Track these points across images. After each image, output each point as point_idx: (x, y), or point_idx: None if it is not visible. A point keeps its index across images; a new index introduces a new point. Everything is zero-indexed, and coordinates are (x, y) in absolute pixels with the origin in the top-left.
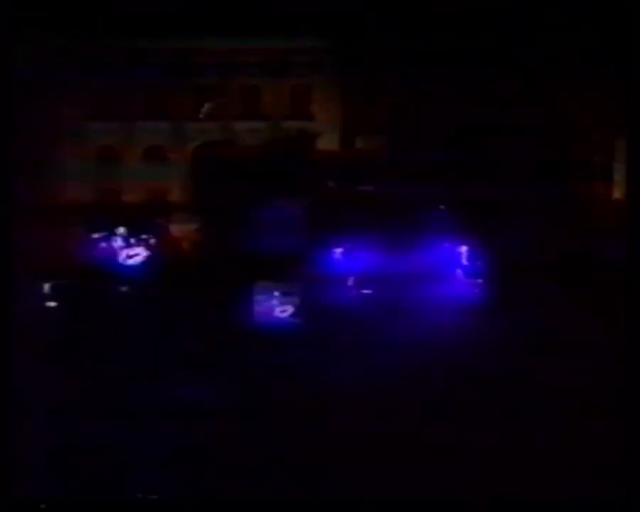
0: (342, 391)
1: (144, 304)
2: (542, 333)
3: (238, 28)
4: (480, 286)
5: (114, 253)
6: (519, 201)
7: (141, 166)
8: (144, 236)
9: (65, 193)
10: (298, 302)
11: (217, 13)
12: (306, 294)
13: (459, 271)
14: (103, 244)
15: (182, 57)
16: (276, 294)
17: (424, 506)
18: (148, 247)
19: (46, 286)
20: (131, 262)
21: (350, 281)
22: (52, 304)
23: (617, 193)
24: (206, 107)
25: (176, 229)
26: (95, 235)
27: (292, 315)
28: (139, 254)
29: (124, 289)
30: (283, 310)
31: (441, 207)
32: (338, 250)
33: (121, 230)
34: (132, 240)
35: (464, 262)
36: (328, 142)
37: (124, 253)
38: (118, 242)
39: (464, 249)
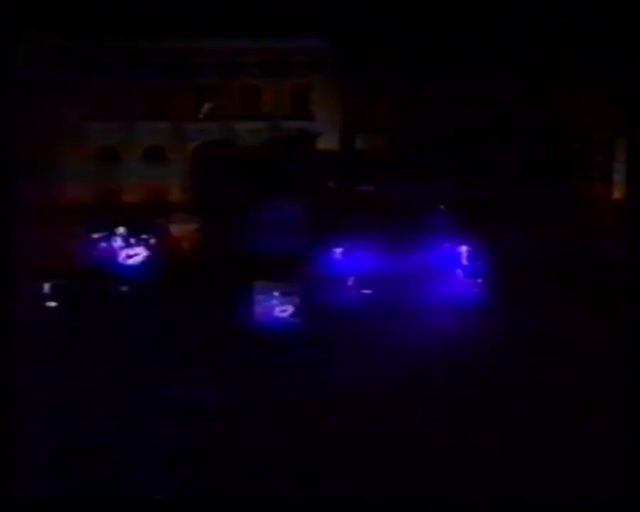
0: (342, 391)
1: (143, 304)
2: (542, 333)
3: (238, 28)
4: (480, 286)
5: (114, 253)
6: (519, 201)
7: (141, 166)
8: (143, 236)
9: (65, 193)
10: (298, 302)
11: (217, 13)
12: (306, 294)
13: (458, 271)
14: (103, 244)
15: (182, 57)
16: (276, 294)
17: (424, 506)
18: (148, 247)
19: (46, 286)
20: (131, 261)
21: (350, 281)
22: (52, 303)
23: (617, 193)
24: (206, 107)
25: (176, 229)
26: (95, 235)
27: (292, 315)
28: (138, 254)
29: (123, 288)
30: (283, 310)
31: (441, 207)
32: (338, 250)
33: (121, 230)
34: (132, 240)
35: (464, 261)
36: (328, 142)
37: (124, 253)
38: (118, 242)
39: (464, 249)
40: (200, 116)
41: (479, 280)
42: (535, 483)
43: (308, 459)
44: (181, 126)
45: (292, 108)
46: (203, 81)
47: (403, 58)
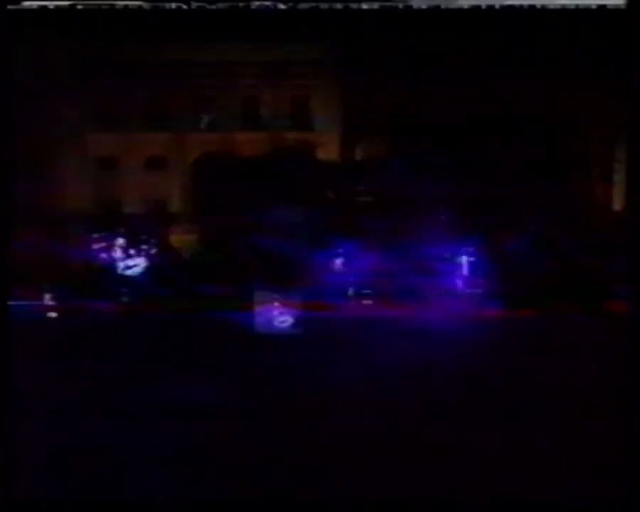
0: (342, 392)
1: (143, 305)
2: (542, 333)
3: (238, 29)
4: (480, 286)
5: (113, 261)
6: (519, 201)
7: (141, 176)
8: (143, 245)
9: (65, 200)
10: (298, 305)
11: (217, 14)
12: (306, 296)
13: (458, 270)
14: (103, 253)
15: (182, 58)
16: (276, 296)
17: (424, 506)
18: (147, 256)
19: (46, 290)
20: (130, 270)
21: (351, 282)
22: (51, 307)
23: (617, 193)
24: (206, 117)
25: (176, 238)
26: (95, 244)
27: (292, 318)
28: (138, 263)
29: (123, 290)
30: (283, 313)
31: (441, 207)
32: (339, 252)
33: (121, 239)
34: (132, 249)
35: (464, 261)
36: (328, 143)
37: (123, 262)
38: (117, 251)
39: (464, 249)
40: (201, 121)
41: (479, 280)
42: (535, 483)
43: (308, 459)
44: (182, 136)
45: (292, 109)
46: (203, 82)
47: (403, 58)
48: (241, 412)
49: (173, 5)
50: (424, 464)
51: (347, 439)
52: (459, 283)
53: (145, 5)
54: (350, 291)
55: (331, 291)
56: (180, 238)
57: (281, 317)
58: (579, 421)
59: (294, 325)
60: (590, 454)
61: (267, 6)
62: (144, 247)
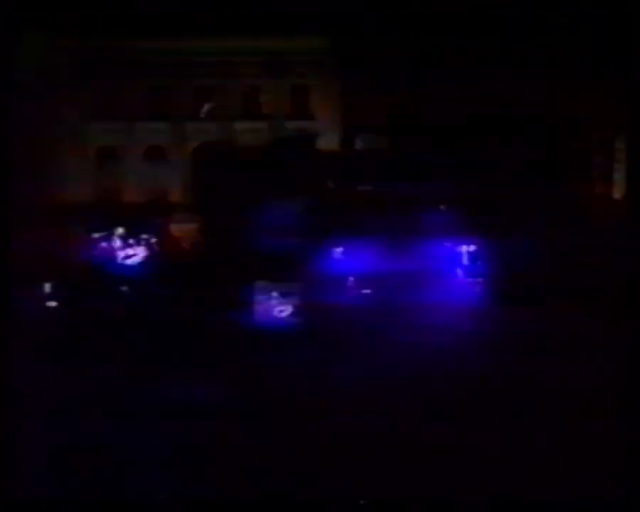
0: (342, 391)
1: (143, 304)
2: (542, 333)
3: (238, 28)
4: (480, 286)
5: (113, 253)
6: (519, 201)
7: (141, 166)
8: (143, 236)
9: (65, 193)
10: (297, 302)
11: (217, 13)
12: (305, 294)
13: (458, 270)
14: (103, 244)
15: (182, 57)
16: (275, 294)
17: (424, 506)
18: (147, 246)
19: (46, 286)
20: (130, 261)
21: (350, 281)
22: (52, 304)
23: (617, 193)
24: (206, 107)
25: (176, 229)
26: (95, 235)
27: (291, 315)
28: (138, 254)
29: (123, 288)
30: (282, 310)
31: (442, 207)
32: (338, 250)
33: (121, 229)
34: (132, 240)
35: (464, 261)
36: (328, 142)
37: (123, 253)
38: (118, 242)
39: (464, 249)
40: (201, 116)
41: (479, 280)
42: (535, 483)
43: (308, 459)
44: (181, 126)
45: (292, 108)
46: (203, 81)
47: (403, 58)
48: (240, 410)
49: None
50: (423, 464)
51: (346, 438)
52: (458, 280)
53: None
54: (349, 286)
55: (329, 286)
56: (180, 228)
57: (280, 308)
58: (578, 421)
59: (293, 315)
60: (590, 454)
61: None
62: (144, 236)
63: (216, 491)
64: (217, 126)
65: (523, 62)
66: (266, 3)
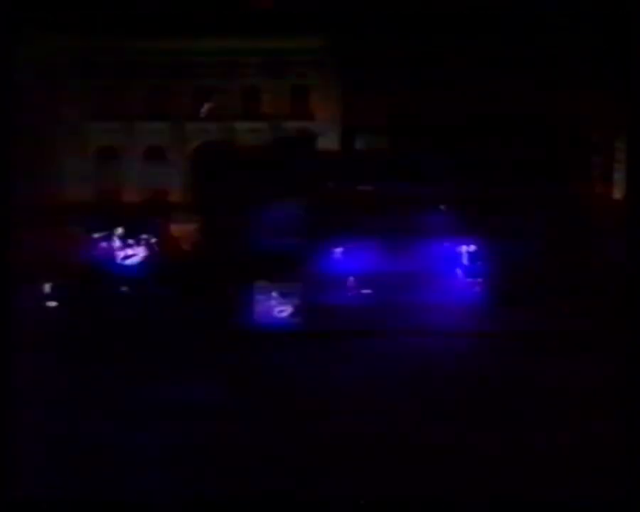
0: (342, 391)
1: (143, 304)
2: (542, 333)
3: (238, 28)
4: (480, 286)
5: (113, 253)
6: (519, 201)
7: (141, 166)
8: (143, 236)
9: (65, 193)
10: (297, 302)
11: (217, 13)
12: (305, 294)
13: (458, 270)
14: (103, 244)
15: (182, 57)
16: (275, 294)
17: (424, 506)
18: (147, 246)
19: (46, 286)
20: (130, 261)
21: (350, 281)
22: (52, 303)
23: (617, 193)
24: (206, 106)
25: (175, 229)
26: (95, 235)
27: (291, 315)
28: (138, 254)
29: (123, 288)
30: (282, 310)
31: (441, 207)
32: (338, 250)
33: (121, 230)
34: (131, 240)
35: (464, 261)
36: (328, 142)
37: (123, 253)
38: (117, 242)
39: (464, 249)
40: (201, 116)
41: (479, 279)
42: (535, 483)
43: (308, 459)
44: (181, 126)
45: (292, 108)
46: (203, 81)
47: (403, 58)
48: (240, 410)
49: None
50: (423, 464)
51: (346, 438)
52: (458, 281)
53: None
54: (349, 286)
55: (329, 286)
56: (180, 228)
57: (280, 308)
58: (578, 421)
59: (293, 315)
60: (590, 454)
61: None
62: (144, 236)
63: (216, 491)
64: (217, 126)
65: (522, 62)
66: (266, 3)
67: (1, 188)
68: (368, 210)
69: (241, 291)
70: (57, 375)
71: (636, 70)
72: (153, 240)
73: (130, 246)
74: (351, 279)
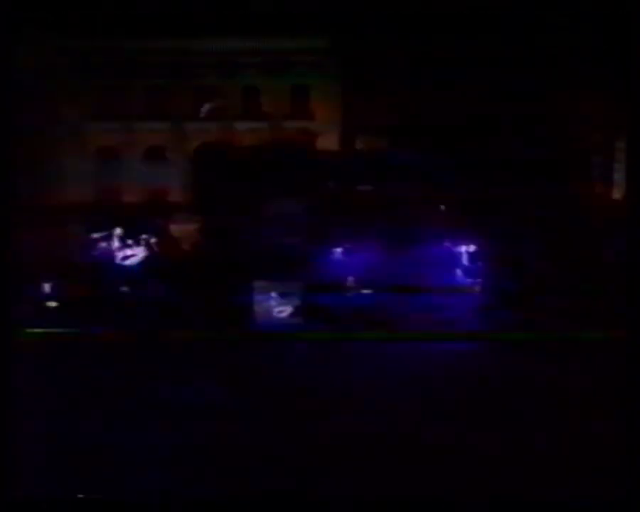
0: (342, 390)
1: (143, 303)
2: (541, 333)
3: (238, 28)
4: (479, 286)
5: (113, 253)
6: (519, 201)
7: (141, 166)
8: (143, 236)
9: (65, 193)
10: (297, 302)
11: (217, 13)
12: (305, 294)
13: (458, 270)
14: (103, 244)
15: (182, 57)
16: (275, 294)
17: (424, 506)
18: (147, 246)
19: (46, 286)
20: (130, 261)
21: (350, 281)
22: (52, 303)
23: (617, 193)
24: (206, 106)
25: (175, 229)
26: (95, 235)
27: (291, 315)
28: (138, 254)
29: (123, 288)
30: (282, 310)
31: (442, 207)
32: (338, 250)
33: (121, 229)
34: (131, 240)
35: (464, 261)
36: (328, 142)
37: (123, 253)
38: (117, 242)
39: (464, 249)
40: (200, 116)
41: (478, 279)
42: (535, 483)
43: (308, 459)
44: (181, 126)
45: (292, 108)
46: (203, 81)
47: (403, 58)
48: (239, 410)
49: None
50: (423, 464)
51: (346, 438)
52: (458, 281)
53: None
54: (349, 286)
55: (329, 285)
56: (180, 228)
57: (280, 308)
58: (578, 420)
59: (292, 315)
60: (590, 454)
61: None
62: (144, 237)
63: (216, 491)
64: (217, 126)
65: (523, 62)
66: (266, 3)
67: (1, 188)
68: (367, 210)
69: (241, 291)
70: (57, 375)
71: (636, 70)
72: (153, 240)
73: (130, 246)
74: (351, 279)
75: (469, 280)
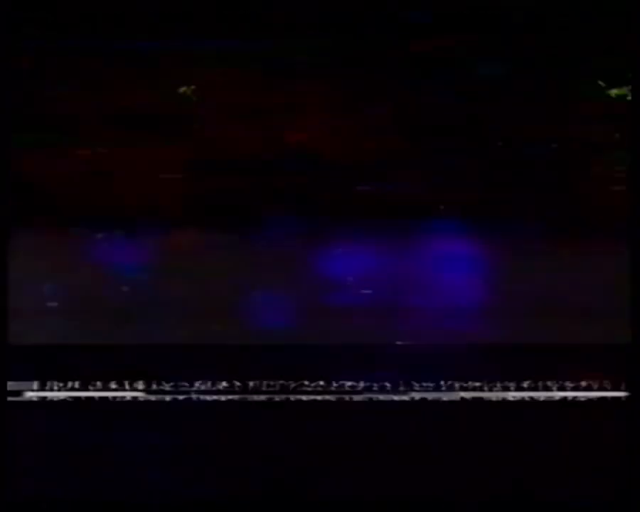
0: (342, 390)
1: (143, 303)
2: (540, 333)
3: (238, 28)
4: (479, 286)
5: (113, 253)
6: (519, 201)
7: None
8: (143, 235)
9: (65, 192)
10: (297, 302)
11: (217, 13)
12: (305, 294)
13: (458, 270)
14: (103, 244)
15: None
16: (274, 293)
17: (424, 506)
18: (147, 246)
19: (46, 286)
20: (130, 261)
21: (350, 282)
22: (52, 304)
23: (617, 193)
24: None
25: (175, 229)
26: (95, 235)
27: (291, 315)
28: (137, 253)
29: (123, 288)
30: (281, 310)
31: (441, 207)
32: (338, 250)
33: (121, 230)
34: (131, 240)
35: (464, 261)
36: (328, 142)
37: (123, 253)
38: (117, 242)
39: (463, 249)
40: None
41: (478, 279)
42: (535, 483)
43: (309, 459)
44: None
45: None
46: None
47: (403, 58)
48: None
49: None
50: (423, 463)
51: (347, 438)
52: (458, 281)
53: None
54: (349, 286)
55: (329, 285)
56: (180, 228)
57: (279, 307)
58: (578, 420)
59: (292, 315)
60: (590, 453)
61: None
62: (144, 236)
63: (216, 491)
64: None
65: (523, 62)
66: (266, 3)
67: (0, 188)
68: (367, 210)
69: (240, 290)
70: (57, 374)
71: (636, 70)
72: (153, 240)
73: (130, 246)
74: (351, 279)
75: (469, 281)
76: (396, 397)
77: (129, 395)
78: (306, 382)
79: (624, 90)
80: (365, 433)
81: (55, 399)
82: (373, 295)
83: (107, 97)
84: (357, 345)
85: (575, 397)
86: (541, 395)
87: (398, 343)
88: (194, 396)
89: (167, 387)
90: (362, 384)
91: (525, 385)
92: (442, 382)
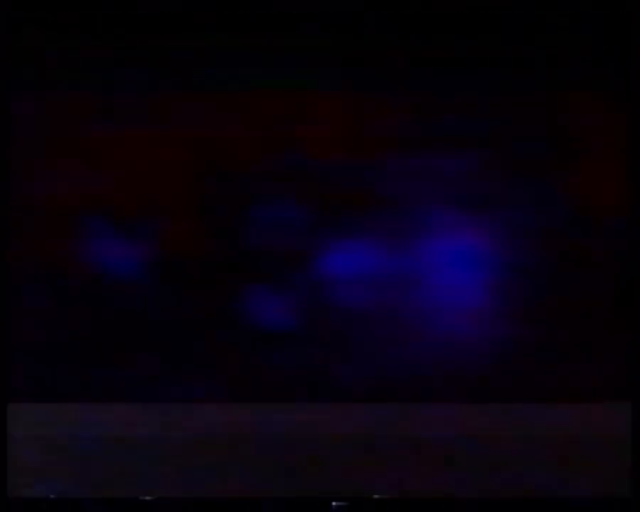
0: (342, 390)
1: (143, 304)
2: (540, 333)
3: (238, 28)
4: (478, 286)
5: (113, 253)
6: (518, 201)
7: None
8: (143, 235)
9: (65, 192)
10: (297, 302)
11: (217, 13)
12: (305, 294)
13: (458, 271)
14: (103, 244)
15: (182, 57)
16: (275, 294)
17: (424, 506)
18: (147, 246)
19: (45, 286)
20: (130, 261)
21: (350, 281)
22: (51, 303)
23: (617, 193)
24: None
25: (175, 229)
26: (95, 235)
27: (291, 315)
28: (137, 253)
29: (123, 289)
30: (282, 310)
31: (441, 205)
32: (338, 250)
33: (121, 229)
34: (131, 240)
35: (464, 262)
36: (328, 142)
37: (122, 253)
38: (117, 242)
39: (463, 249)
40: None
41: (478, 279)
42: (535, 482)
43: (309, 459)
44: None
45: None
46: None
47: (403, 58)
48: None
49: None
50: (423, 464)
51: (347, 438)
52: (458, 281)
53: None
54: (349, 286)
55: (329, 285)
56: (179, 228)
57: (280, 307)
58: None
59: (293, 315)
60: (590, 453)
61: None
62: (144, 236)
63: (216, 491)
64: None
65: (522, 62)
66: (266, 3)
67: (1, 188)
68: (367, 209)
69: (240, 291)
70: (57, 374)
71: (636, 70)
72: (153, 240)
73: (130, 246)
74: (351, 279)
75: (468, 281)
76: None
77: None
78: None
79: None
80: None
81: None
82: None
83: None
84: None
85: None
86: None
87: None
88: None
89: None
90: None
91: None
92: None
